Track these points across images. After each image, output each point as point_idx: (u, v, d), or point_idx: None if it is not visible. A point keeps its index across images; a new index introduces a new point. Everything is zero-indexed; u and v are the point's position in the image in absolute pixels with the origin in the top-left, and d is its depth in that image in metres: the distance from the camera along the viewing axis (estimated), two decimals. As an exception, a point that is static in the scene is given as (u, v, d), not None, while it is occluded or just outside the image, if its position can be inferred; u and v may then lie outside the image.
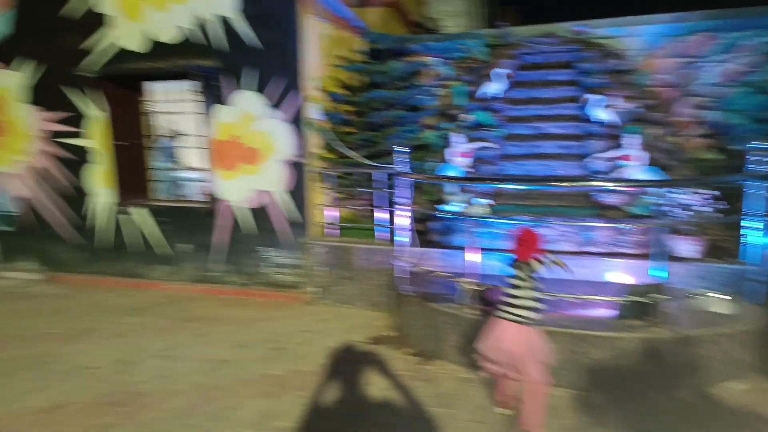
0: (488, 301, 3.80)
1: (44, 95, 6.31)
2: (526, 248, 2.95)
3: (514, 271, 2.97)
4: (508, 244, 3.02)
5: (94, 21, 5.88)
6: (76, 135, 6.23)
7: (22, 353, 4.35)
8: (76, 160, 6.29)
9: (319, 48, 5.69)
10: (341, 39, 6.24)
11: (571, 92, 5.76)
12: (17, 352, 4.39)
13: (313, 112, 5.53)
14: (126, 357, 4.28)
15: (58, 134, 6.32)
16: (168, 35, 5.66)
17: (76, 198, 6.38)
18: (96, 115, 6.10)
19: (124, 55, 5.86)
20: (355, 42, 6.54)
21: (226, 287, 5.97)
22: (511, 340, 2.94)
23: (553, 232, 4.70)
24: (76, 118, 6.19)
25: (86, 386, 3.78)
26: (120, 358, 4.25)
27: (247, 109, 5.56)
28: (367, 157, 5.52)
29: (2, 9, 6.24)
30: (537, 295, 2.93)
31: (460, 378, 3.78)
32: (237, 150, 5.66)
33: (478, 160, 5.43)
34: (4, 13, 6.25)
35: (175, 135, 7.16)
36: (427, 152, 5.61)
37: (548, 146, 5.46)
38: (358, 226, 5.66)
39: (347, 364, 4.09)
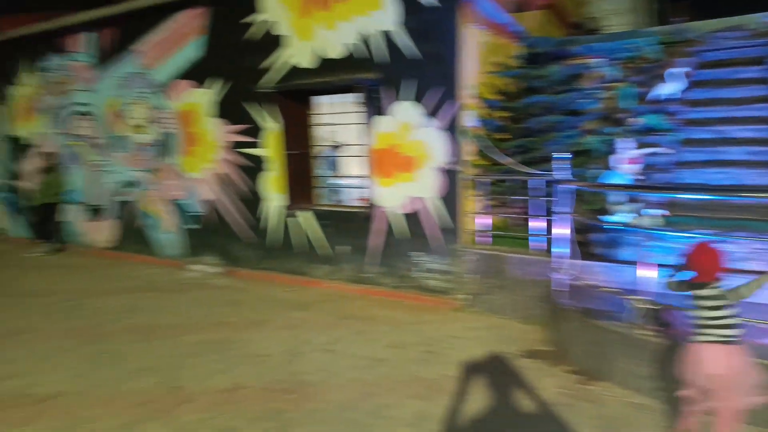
0: (666, 323, 3.48)
1: (228, 110, 7.15)
2: (706, 265, 2.72)
3: (700, 291, 2.72)
4: (686, 262, 2.79)
5: (272, 42, 6.53)
6: (253, 145, 6.96)
7: (208, 337, 4.96)
8: (253, 167, 7.02)
9: (477, 56, 5.69)
10: (498, 45, 6.18)
11: (764, 91, 5.06)
12: (204, 336, 5.00)
13: (469, 119, 5.54)
14: (293, 348, 4.66)
15: (238, 144, 7.11)
16: (335, 52, 6.08)
17: (251, 201, 7.11)
18: (271, 127, 6.75)
19: (296, 71, 6.42)
20: (512, 47, 6.43)
21: (379, 288, 6.22)
22: (714, 363, 2.68)
23: (742, 249, 4.15)
24: (254, 130, 6.92)
25: (260, 372, 4.18)
26: (288, 349, 4.64)
27: (404, 118, 5.76)
28: (522, 164, 5.38)
29: (196, 35, 7.21)
30: (731, 311, 2.68)
31: (629, 402, 3.50)
32: (394, 158, 5.88)
33: (648, 167, 5.00)
34: (198, 39, 7.21)
35: (337, 145, 7.68)
36: (588, 158, 5.31)
37: (734, 152, 4.86)
38: (511, 235, 5.54)
39: (500, 374, 4.02)
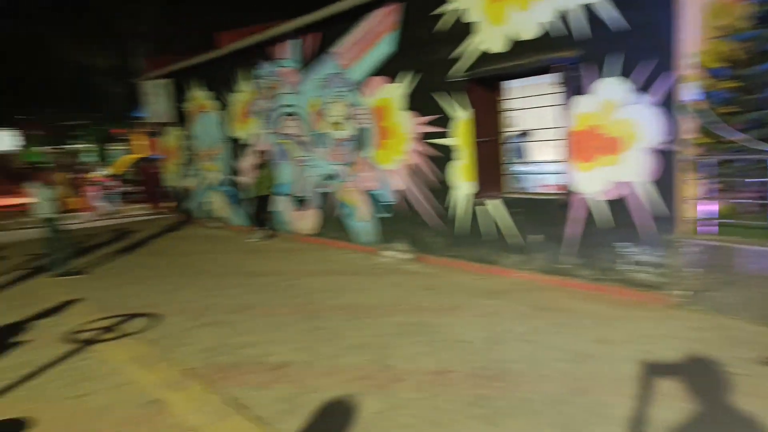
0: None
1: (418, 101, 7.33)
2: None
3: None
4: None
5: (461, 30, 6.52)
6: (442, 135, 7.05)
7: (408, 320, 5.16)
8: (441, 157, 7.12)
9: (697, 20, 5.00)
10: (723, 6, 5.33)
11: None
12: (405, 318, 5.22)
13: (688, 92, 4.90)
14: (492, 336, 4.62)
15: (428, 135, 7.26)
16: (529, 32, 5.84)
17: (440, 190, 7.22)
18: (459, 115, 6.77)
19: (486, 57, 6.33)
20: (740, 6, 5.52)
21: (576, 280, 5.86)
22: None
23: None
24: (443, 120, 7.01)
25: (463, 357, 4.21)
26: (487, 336, 4.61)
27: (608, 96, 5.31)
28: (759, 140, 4.59)
29: (388, 32, 7.51)
30: None
31: None
32: (595, 140, 5.46)
33: None
34: (389, 35, 7.50)
35: (527, 130, 7.43)
36: None
37: None
38: (743, 223, 4.78)
39: (737, 382, 3.50)
